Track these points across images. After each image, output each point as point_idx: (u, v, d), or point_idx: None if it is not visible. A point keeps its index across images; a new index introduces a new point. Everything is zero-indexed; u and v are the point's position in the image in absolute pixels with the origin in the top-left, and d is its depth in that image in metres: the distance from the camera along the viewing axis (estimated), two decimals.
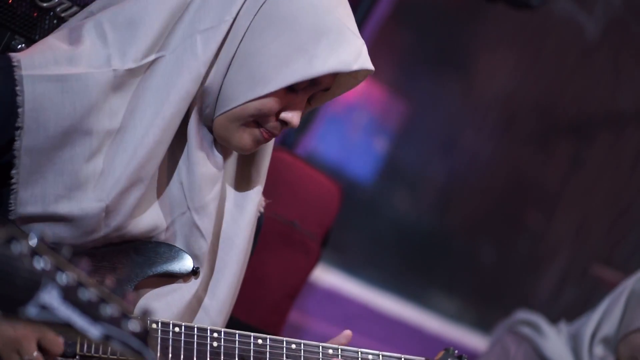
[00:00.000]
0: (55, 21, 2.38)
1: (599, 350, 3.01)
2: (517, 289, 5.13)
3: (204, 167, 2.03)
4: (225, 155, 2.09)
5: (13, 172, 1.90)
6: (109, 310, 1.37)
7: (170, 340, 1.95)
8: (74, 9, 2.38)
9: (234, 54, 1.96)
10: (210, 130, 2.04)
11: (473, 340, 4.96)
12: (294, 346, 2.07)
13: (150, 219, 2.02)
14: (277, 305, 2.76)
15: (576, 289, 5.23)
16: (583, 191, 5.17)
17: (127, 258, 2.03)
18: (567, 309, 5.18)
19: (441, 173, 4.96)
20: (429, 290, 4.93)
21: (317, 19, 1.94)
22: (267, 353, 2.04)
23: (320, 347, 2.09)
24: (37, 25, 2.38)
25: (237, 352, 2.01)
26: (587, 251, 5.24)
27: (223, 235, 2.13)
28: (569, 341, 3.09)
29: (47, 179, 1.91)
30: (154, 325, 1.93)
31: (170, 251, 2.06)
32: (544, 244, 5.15)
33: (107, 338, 1.36)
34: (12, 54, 1.91)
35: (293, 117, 1.99)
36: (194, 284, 2.08)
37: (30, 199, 1.91)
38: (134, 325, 1.39)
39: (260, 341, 2.04)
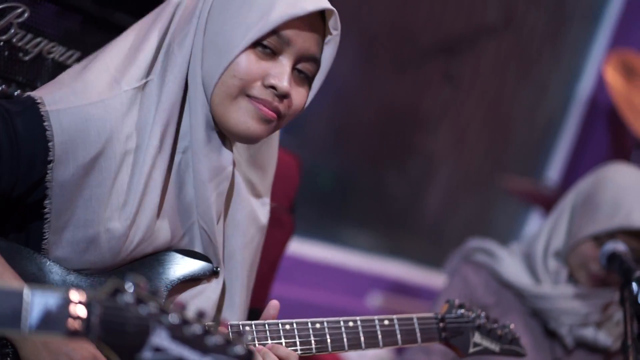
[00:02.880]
0: (7, 52, 2.35)
1: (552, 264, 3.19)
2: (419, 210, 5.32)
3: (206, 173, 2.07)
4: (229, 158, 2.12)
5: (46, 202, 1.96)
6: (213, 340, 1.47)
7: None
8: (29, 36, 2.36)
9: (203, 42, 2.02)
10: (214, 128, 2.07)
11: (391, 268, 5.14)
12: (318, 325, 2.17)
13: (167, 229, 2.09)
14: (262, 280, 2.83)
15: (473, 200, 5.46)
16: (461, 105, 5.35)
17: (153, 271, 2.08)
18: (469, 220, 5.43)
19: (330, 113, 5.03)
20: (343, 229, 5.05)
21: None
22: (296, 336, 2.14)
23: (342, 321, 2.21)
24: None
25: (269, 341, 2.11)
26: (473, 162, 5.46)
27: (234, 243, 2.20)
28: (523, 260, 3.26)
29: (78, 206, 1.98)
30: None
31: (190, 256, 2.12)
32: (435, 163, 5.33)
33: None
34: (32, 93, 1.98)
35: (278, 79, 2.00)
36: (217, 285, 2.16)
37: (62, 226, 1.98)
38: (239, 349, 1.49)
39: (287, 327, 2.14)
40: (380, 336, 2.23)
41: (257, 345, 2.07)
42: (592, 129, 5.49)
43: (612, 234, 3.04)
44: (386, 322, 2.26)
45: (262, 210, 2.25)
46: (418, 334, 2.30)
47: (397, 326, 2.28)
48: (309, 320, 2.17)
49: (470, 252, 3.31)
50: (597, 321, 3.17)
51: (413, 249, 5.28)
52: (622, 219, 3.03)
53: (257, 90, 2.00)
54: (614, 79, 4.79)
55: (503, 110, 5.47)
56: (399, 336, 2.26)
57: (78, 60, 2.41)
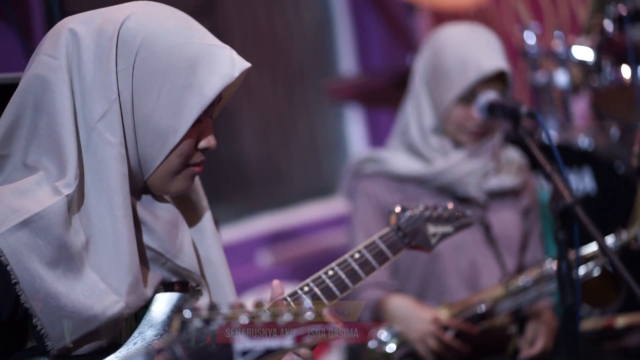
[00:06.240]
0: None
1: (433, 140, 3.31)
2: (248, 165, 5.36)
3: (160, 219, 2.10)
4: (174, 210, 2.16)
5: (34, 320, 1.92)
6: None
7: None
8: None
9: (134, 123, 2.02)
10: (144, 189, 2.11)
11: (260, 224, 5.20)
12: (306, 288, 2.24)
13: (150, 289, 2.08)
14: None
15: (290, 129, 5.55)
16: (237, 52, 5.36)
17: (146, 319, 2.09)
18: (297, 149, 5.53)
19: None
20: None
21: (184, 54, 2.01)
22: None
23: (322, 274, 2.28)
24: None
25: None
26: (270, 96, 5.52)
27: (204, 262, 2.22)
28: (407, 151, 3.36)
29: (67, 312, 1.93)
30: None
31: (170, 289, 2.13)
32: (237, 112, 5.35)
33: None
34: None
35: (210, 141, 2.09)
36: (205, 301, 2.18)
37: (60, 334, 1.94)
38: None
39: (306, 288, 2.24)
40: (359, 270, 2.33)
41: None
42: (363, 11, 5.66)
43: (473, 90, 3.20)
44: (357, 255, 2.35)
45: (208, 219, 2.26)
46: (387, 251, 2.40)
47: (367, 254, 2.37)
48: (300, 285, 2.24)
49: (358, 167, 3.39)
50: (494, 169, 3.35)
51: (267, 200, 5.35)
52: (475, 71, 3.19)
53: (195, 158, 2.09)
54: None
55: (271, 34, 5.53)
56: (373, 262, 2.36)
57: None
